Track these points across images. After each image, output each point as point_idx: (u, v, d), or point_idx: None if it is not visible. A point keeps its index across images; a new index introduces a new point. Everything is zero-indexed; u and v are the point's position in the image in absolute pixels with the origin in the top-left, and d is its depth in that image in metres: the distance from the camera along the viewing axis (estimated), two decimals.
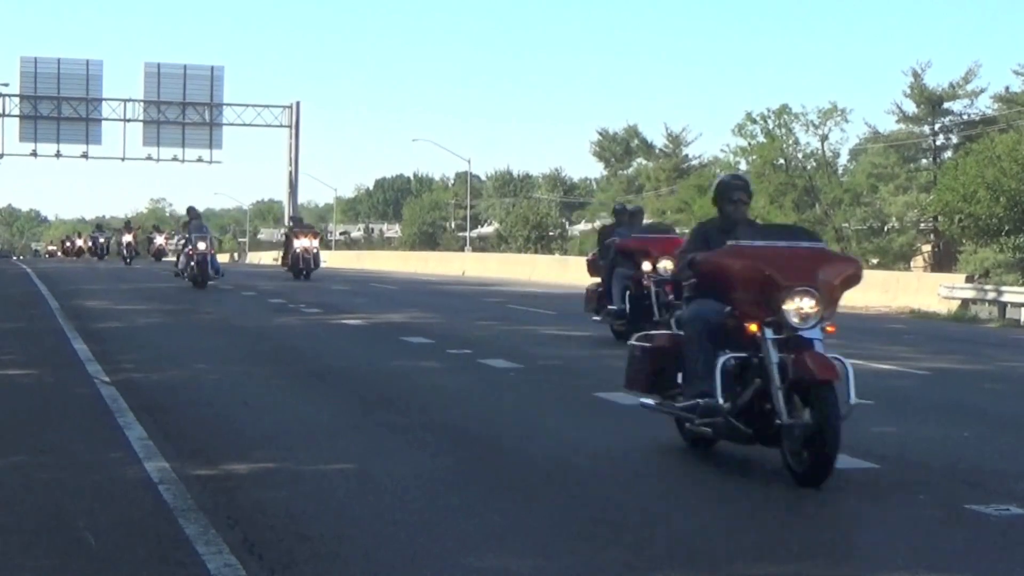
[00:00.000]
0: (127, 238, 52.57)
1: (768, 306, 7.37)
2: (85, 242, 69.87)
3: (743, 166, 67.24)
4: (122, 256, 52.24)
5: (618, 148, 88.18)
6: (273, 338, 17.13)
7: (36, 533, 5.97)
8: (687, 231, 17.69)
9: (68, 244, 78.39)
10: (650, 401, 8.36)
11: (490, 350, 15.24)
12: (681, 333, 8.02)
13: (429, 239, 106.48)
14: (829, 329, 7.50)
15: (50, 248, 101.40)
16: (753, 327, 7.36)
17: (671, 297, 10.53)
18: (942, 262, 59.48)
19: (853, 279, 7.87)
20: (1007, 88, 60.46)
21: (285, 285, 31.99)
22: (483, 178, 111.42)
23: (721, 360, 7.45)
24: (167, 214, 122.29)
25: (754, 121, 62.54)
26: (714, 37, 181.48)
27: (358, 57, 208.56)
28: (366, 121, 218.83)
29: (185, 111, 63.79)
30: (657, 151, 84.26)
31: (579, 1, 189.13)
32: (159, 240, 60.72)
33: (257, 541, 5.89)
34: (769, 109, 62.72)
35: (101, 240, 61.50)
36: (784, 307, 7.28)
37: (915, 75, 61.77)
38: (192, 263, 29.22)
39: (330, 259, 69.71)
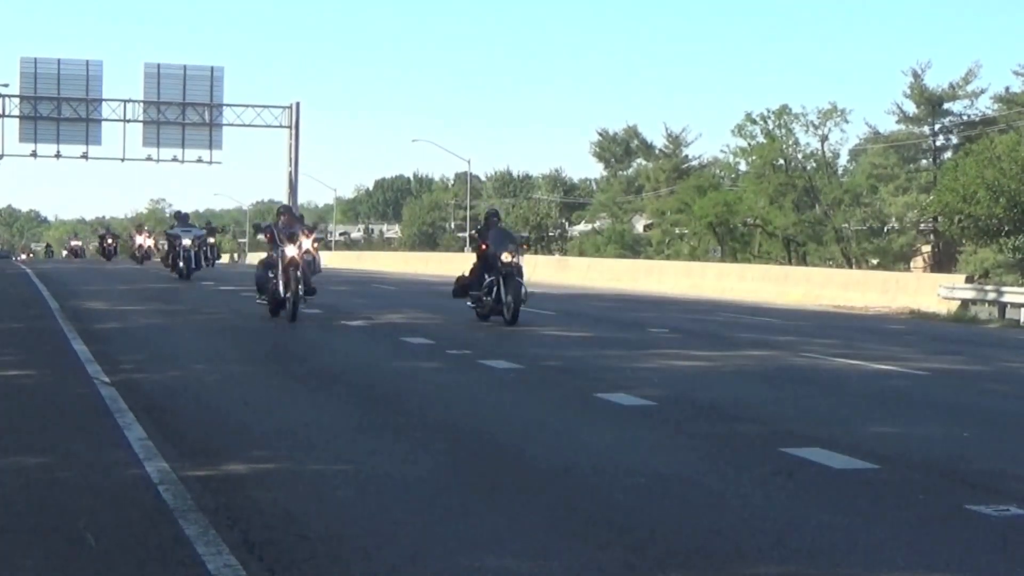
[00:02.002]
0: (291, 251, 19.37)
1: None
2: (144, 240, 51.07)
3: (743, 167, 67.38)
4: (276, 299, 19.58)
5: (618, 149, 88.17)
6: (272, 338, 17.13)
7: (36, 533, 5.96)
8: None
9: (109, 242, 58.17)
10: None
11: (490, 351, 15.25)
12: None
13: (429, 240, 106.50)
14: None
15: (73, 244, 74.44)
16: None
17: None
18: (942, 263, 59.50)
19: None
20: (1007, 89, 60.56)
21: None
22: (483, 178, 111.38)
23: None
24: (167, 215, 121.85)
25: (754, 122, 62.62)
26: (714, 38, 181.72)
27: (358, 58, 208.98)
28: (366, 121, 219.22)
29: (185, 112, 63.70)
30: (657, 151, 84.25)
31: (579, 2, 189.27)
32: (307, 244, 25.46)
33: (257, 541, 5.89)
34: (769, 109, 62.84)
35: (187, 242, 34.39)
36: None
37: (915, 75, 61.88)
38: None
39: (330, 259, 69.71)
